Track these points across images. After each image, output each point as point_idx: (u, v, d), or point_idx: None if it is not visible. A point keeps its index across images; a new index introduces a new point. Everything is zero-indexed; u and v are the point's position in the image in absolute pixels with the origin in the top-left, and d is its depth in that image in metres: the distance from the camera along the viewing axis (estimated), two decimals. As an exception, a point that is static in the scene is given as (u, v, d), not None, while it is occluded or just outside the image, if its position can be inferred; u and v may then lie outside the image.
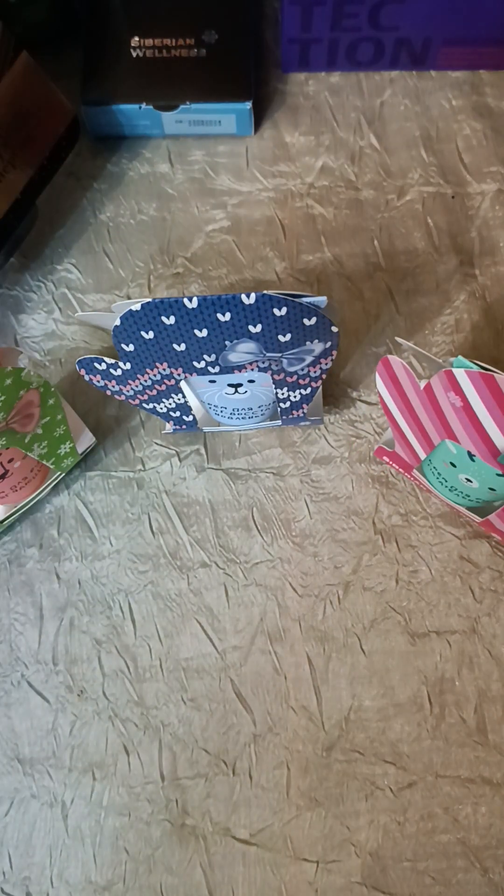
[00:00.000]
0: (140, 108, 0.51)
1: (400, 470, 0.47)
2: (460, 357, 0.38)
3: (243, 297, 0.35)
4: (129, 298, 0.52)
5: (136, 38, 0.52)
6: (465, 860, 0.44)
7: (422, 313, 0.51)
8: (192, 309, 0.35)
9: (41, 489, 0.47)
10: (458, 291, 0.51)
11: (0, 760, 0.46)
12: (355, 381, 0.50)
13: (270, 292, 0.35)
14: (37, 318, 0.52)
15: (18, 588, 0.48)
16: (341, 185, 0.53)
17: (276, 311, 0.35)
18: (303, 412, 0.46)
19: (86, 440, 0.47)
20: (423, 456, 0.42)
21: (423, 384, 0.37)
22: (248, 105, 0.51)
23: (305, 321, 0.36)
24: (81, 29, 0.53)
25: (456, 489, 0.43)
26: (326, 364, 0.40)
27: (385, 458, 0.47)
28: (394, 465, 0.47)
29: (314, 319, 0.36)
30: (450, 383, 0.35)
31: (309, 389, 0.43)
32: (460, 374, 0.35)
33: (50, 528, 0.49)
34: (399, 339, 0.38)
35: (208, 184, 0.54)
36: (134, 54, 0.52)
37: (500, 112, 0.54)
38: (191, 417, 0.45)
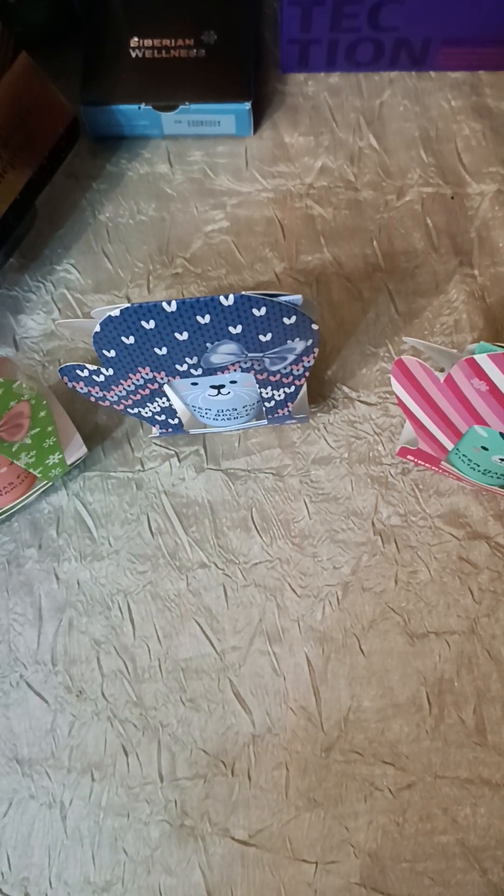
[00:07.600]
0: (139, 108, 0.51)
1: (426, 465, 0.47)
2: (483, 343, 0.38)
3: (222, 298, 0.35)
4: (128, 299, 0.52)
5: (136, 39, 0.52)
6: (464, 861, 0.44)
7: (421, 314, 0.51)
8: (172, 312, 0.35)
9: (27, 495, 0.47)
10: (458, 292, 0.51)
11: (-1, 761, 0.46)
12: (354, 381, 0.50)
13: (248, 293, 0.35)
14: (36, 318, 0.52)
15: (17, 588, 0.48)
16: (340, 185, 0.53)
17: (255, 311, 0.36)
18: (288, 410, 0.46)
19: (77, 451, 0.47)
20: (449, 447, 0.43)
21: (441, 377, 0.37)
22: (248, 105, 0.51)
23: (285, 320, 0.36)
24: (81, 29, 0.53)
25: (490, 471, 0.43)
26: (309, 362, 0.40)
27: (409, 456, 0.47)
28: (419, 461, 0.47)
29: (294, 318, 0.36)
30: (472, 370, 0.36)
31: (293, 388, 0.43)
32: (483, 360, 0.35)
33: (49, 528, 0.49)
34: (407, 338, 0.38)
35: (207, 184, 0.54)
36: (133, 54, 0.52)
37: (499, 112, 0.54)
38: (176, 420, 0.45)
